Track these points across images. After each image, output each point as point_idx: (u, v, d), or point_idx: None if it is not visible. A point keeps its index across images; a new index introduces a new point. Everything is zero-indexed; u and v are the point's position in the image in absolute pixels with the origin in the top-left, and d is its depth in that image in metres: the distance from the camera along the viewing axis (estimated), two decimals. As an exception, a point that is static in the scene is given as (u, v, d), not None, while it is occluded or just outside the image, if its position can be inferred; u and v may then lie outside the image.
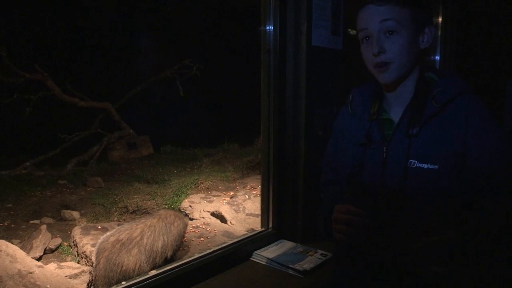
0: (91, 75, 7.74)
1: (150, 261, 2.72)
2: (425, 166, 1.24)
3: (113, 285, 2.19)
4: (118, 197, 4.62)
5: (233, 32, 8.83)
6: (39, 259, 3.22)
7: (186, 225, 3.09)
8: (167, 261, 2.80)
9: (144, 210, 4.41)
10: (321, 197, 1.61)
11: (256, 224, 3.52)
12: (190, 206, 4.26)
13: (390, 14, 1.27)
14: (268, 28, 2.37)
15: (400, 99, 1.37)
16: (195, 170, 5.93)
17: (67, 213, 4.21)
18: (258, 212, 2.72)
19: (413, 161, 1.26)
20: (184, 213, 4.29)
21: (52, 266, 2.86)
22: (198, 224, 3.77)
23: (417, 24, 1.30)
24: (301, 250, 2.32)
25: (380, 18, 1.28)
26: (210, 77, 8.33)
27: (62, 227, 3.98)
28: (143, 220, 2.88)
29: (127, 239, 2.68)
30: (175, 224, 2.91)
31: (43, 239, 3.38)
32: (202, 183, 4.98)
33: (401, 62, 1.30)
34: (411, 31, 1.29)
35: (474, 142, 1.23)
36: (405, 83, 1.35)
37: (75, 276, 2.80)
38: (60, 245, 3.53)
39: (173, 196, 4.65)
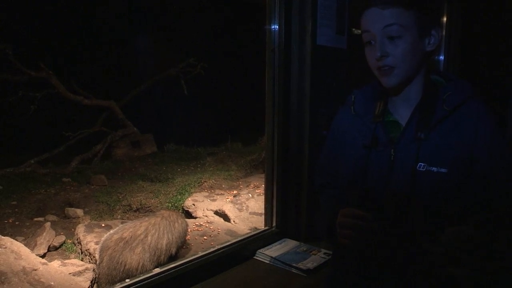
0: (96, 74, 7.76)
1: (155, 259, 2.73)
2: (435, 169, 1.23)
3: (117, 283, 2.19)
4: (122, 195, 4.64)
5: (238, 31, 8.83)
6: (43, 256, 3.24)
7: (187, 224, 3.10)
8: (171, 259, 2.81)
9: (148, 208, 4.42)
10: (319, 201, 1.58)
11: (259, 223, 3.52)
12: (194, 205, 4.27)
13: (394, 18, 1.23)
14: (273, 27, 2.37)
15: (406, 101, 1.34)
16: (199, 169, 5.94)
17: (71, 210, 4.23)
18: (262, 211, 2.73)
19: (422, 164, 1.24)
20: (187, 211, 4.30)
21: (56, 263, 2.88)
22: (202, 223, 3.78)
23: (422, 27, 1.26)
24: (304, 249, 2.32)
25: (384, 22, 1.24)
26: (214, 75, 8.34)
27: (66, 224, 4.00)
28: (146, 219, 2.89)
29: (131, 237, 2.69)
30: (179, 221, 2.92)
31: (47, 237, 3.39)
32: (205, 181, 4.99)
33: (404, 67, 1.27)
34: (415, 34, 1.25)
35: (484, 146, 1.24)
36: (411, 86, 1.33)
37: (79, 273, 2.81)
38: (64, 242, 3.55)
39: (176, 195, 4.66)
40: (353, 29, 2.62)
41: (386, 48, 1.25)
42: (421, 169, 1.24)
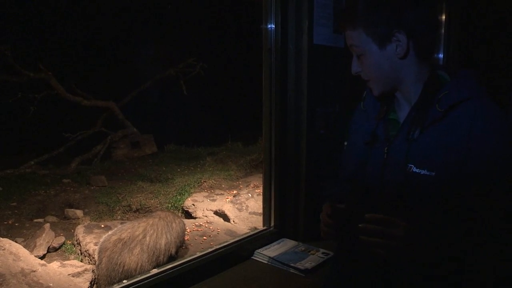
0: (95, 74, 7.76)
1: (154, 259, 2.72)
2: (422, 172, 1.19)
3: (115, 284, 2.19)
4: (122, 196, 4.63)
5: (236, 30, 8.82)
6: (42, 257, 3.23)
7: (185, 224, 3.11)
8: (171, 259, 2.81)
9: (148, 209, 4.42)
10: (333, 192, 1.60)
11: (259, 223, 3.52)
12: (193, 205, 4.27)
13: (350, 39, 1.29)
14: (269, 26, 2.36)
15: (407, 100, 1.32)
16: (199, 169, 5.93)
17: (70, 211, 4.23)
18: (261, 210, 2.72)
19: (411, 165, 1.22)
20: (187, 211, 4.30)
21: (55, 265, 2.88)
22: (201, 223, 3.77)
23: (379, 39, 1.25)
24: (302, 249, 2.32)
25: (348, 43, 1.32)
26: (214, 75, 8.33)
27: (66, 225, 4.00)
28: (144, 220, 2.89)
29: (129, 238, 2.69)
30: (176, 221, 2.92)
31: (47, 238, 3.39)
32: (205, 181, 4.98)
33: (377, 78, 1.31)
34: (374, 48, 1.26)
35: (478, 151, 1.14)
36: (407, 87, 1.30)
37: (78, 274, 2.81)
38: (64, 243, 3.55)
39: (176, 195, 4.65)
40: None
41: (357, 65, 1.33)
42: (409, 170, 1.22)
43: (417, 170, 1.20)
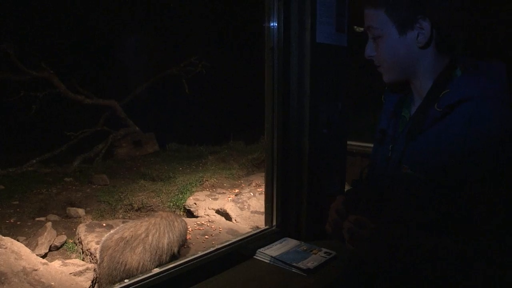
0: (97, 73, 7.76)
1: (156, 258, 2.72)
2: (413, 173, 1.15)
3: (117, 283, 2.18)
4: (123, 195, 4.64)
5: (238, 29, 8.81)
6: (44, 256, 3.24)
7: (186, 223, 3.10)
8: (173, 258, 2.80)
9: (149, 208, 4.42)
10: None
11: (261, 222, 3.51)
12: (195, 204, 4.26)
13: (370, 21, 1.22)
14: (272, 24, 2.35)
15: (420, 95, 1.26)
16: (200, 168, 5.93)
17: (72, 210, 4.23)
18: (263, 209, 2.71)
19: (405, 165, 1.18)
20: (189, 210, 4.30)
21: (56, 264, 2.88)
22: (203, 222, 3.77)
23: (400, 24, 1.17)
24: (305, 248, 2.30)
25: (365, 24, 1.25)
26: (216, 74, 8.33)
27: (68, 224, 4.00)
28: (146, 219, 2.88)
29: (131, 237, 2.69)
30: (178, 220, 2.92)
31: (48, 236, 3.39)
32: (207, 180, 4.98)
33: (389, 66, 1.23)
34: (393, 33, 1.18)
35: (471, 157, 1.05)
36: (419, 82, 1.24)
37: (80, 273, 2.81)
38: (65, 242, 3.55)
39: (178, 194, 4.65)
40: (355, 27, 2.59)
41: (371, 48, 1.26)
42: (403, 170, 1.18)
43: (409, 171, 1.16)
